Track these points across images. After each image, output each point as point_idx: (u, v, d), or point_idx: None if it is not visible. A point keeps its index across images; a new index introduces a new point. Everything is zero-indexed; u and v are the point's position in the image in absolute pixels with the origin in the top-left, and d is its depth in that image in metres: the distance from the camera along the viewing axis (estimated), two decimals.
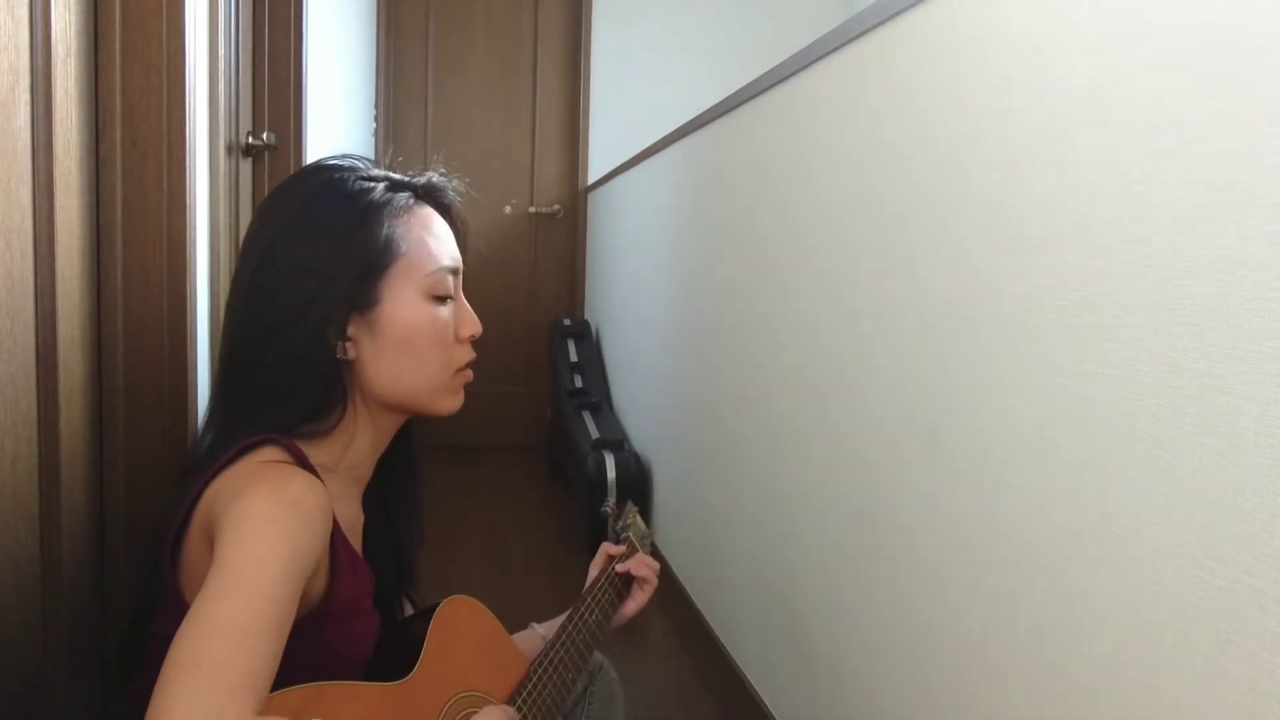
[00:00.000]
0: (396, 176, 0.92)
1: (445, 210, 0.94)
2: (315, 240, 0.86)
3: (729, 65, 4.02)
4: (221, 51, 1.44)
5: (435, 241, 0.90)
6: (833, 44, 1.45)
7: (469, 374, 0.93)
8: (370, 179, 0.90)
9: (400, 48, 4.12)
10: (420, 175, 0.94)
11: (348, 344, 0.86)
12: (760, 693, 1.78)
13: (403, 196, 0.90)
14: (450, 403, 0.92)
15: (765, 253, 1.79)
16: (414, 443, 1.00)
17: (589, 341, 3.88)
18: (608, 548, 1.18)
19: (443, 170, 0.96)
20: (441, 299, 0.89)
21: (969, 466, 1.06)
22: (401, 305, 0.86)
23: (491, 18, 4.17)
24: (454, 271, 0.91)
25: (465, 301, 0.93)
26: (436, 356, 0.89)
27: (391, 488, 1.00)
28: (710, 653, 2.07)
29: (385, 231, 0.86)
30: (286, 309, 0.84)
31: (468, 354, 0.93)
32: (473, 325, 0.92)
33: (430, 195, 0.93)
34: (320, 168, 0.92)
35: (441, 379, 0.90)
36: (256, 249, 0.87)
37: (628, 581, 1.16)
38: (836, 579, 1.44)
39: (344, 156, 0.93)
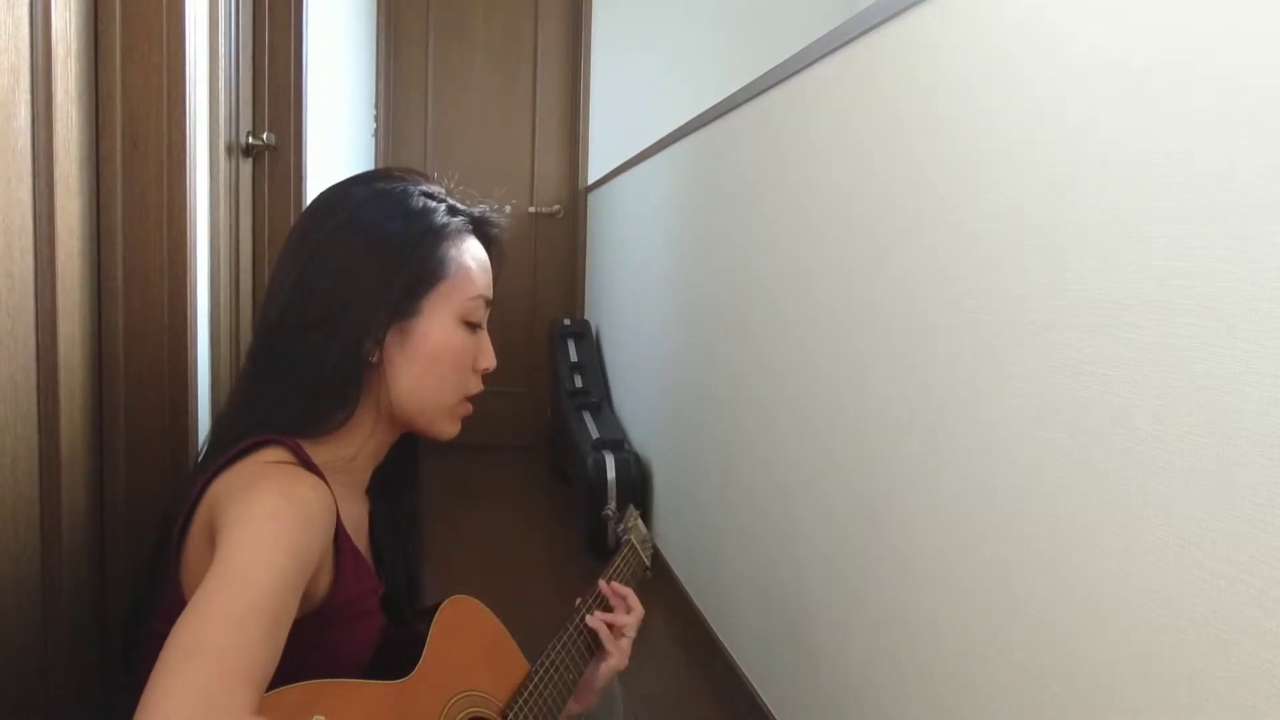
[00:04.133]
0: (453, 201, 0.95)
1: (489, 243, 0.98)
2: (373, 245, 0.88)
3: (729, 65, 4.02)
4: (221, 52, 1.44)
5: (478, 270, 0.94)
6: (833, 43, 1.45)
7: (470, 407, 0.96)
8: (432, 196, 0.93)
9: (400, 48, 4.12)
10: (474, 205, 0.97)
11: (379, 349, 0.88)
12: (760, 693, 1.78)
13: (459, 221, 0.93)
14: (449, 428, 0.95)
15: (765, 253, 1.79)
16: (418, 460, 1.03)
17: (589, 341, 3.88)
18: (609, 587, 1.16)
19: (496, 205, 1.00)
20: (472, 326, 0.93)
21: (970, 464, 1.06)
22: (437, 323, 0.90)
23: (491, 18, 4.17)
24: (487, 302, 0.95)
25: (487, 335, 0.96)
26: (454, 379, 0.92)
27: (401, 502, 1.02)
28: (710, 653, 2.07)
29: (440, 251, 0.90)
30: (333, 306, 0.86)
31: (478, 385, 0.96)
32: (490, 359, 0.96)
33: (480, 227, 0.97)
34: (387, 175, 0.95)
35: (450, 402, 0.93)
36: (311, 241, 0.89)
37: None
38: (837, 578, 1.44)
39: (407, 170, 0.97)
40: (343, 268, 0.87)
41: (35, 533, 0.90)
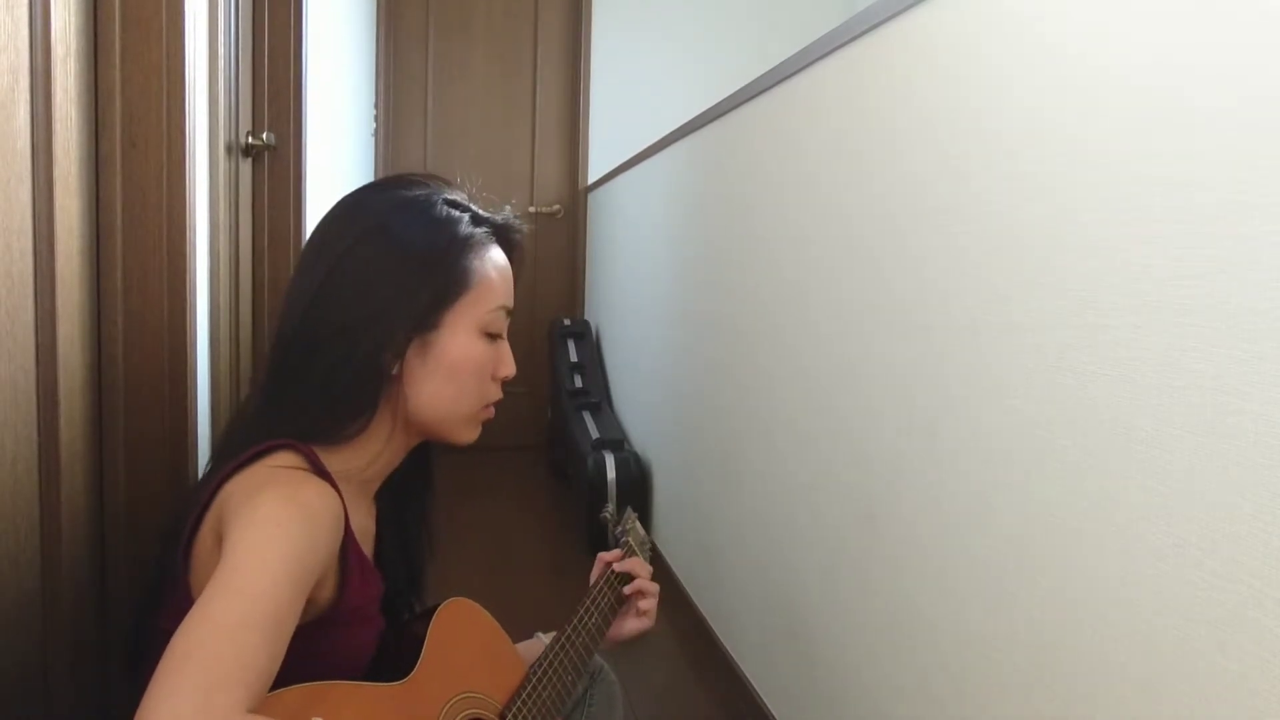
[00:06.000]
0: (477, 210, 0.94)
1: (510, 250, 0.97)
2: (396, 256, 0.87)
3: (728, 65, 4.02)
4: (221, 51, 1.44)
5: (500, 280, 0.93)
6: (833, 44, 1.45)
7: (492, 411, 0.96)
8: (456, 206, 0.92)
9: (400, 47, 4.11)
10: (497, 213, 0.97)
11: (400, 361, 0.87)
12: (760, 693, 1.78)
13: (481, 231, 0.93)
14: (470, 434, 0.95)
15: (765, 252, 1.79)
16: (434, 466, 1.03)
17: (589, 341, 3.88)
18: (604, 556, 1.18)
19: (516, 213, 1.00)
20: (492, 336, 0.92)
21: (969, 466, 1.06)
22: (458, 335, 0.89)
23: (491, 18, 4.17)
24: (508, 312, 0.94)
25: (507, 343, 0.96)
26: (474, 390, 0.92)
27: (409, 504, 1.01)
28: (710, 653, 2.07)
29: (463, 262, 0.89)
30: (355, 317, 0.86)
31: (498, 393, 0.95)
32: (510, 367, 0.95)
33: (503, 235, 0.96)
34: (411, 182, 0.94)
35: (471, 411, 0.93)
36: (337, 247, 0.88)
37: (625, 583, 1.17)
38: (836, 579, 1.44)
39: (430, 175, 0.96)
40: (365, 279, 0.87)
41: (35, 533, 0.90)
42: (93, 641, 1.03)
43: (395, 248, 0.88)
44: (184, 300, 1.14)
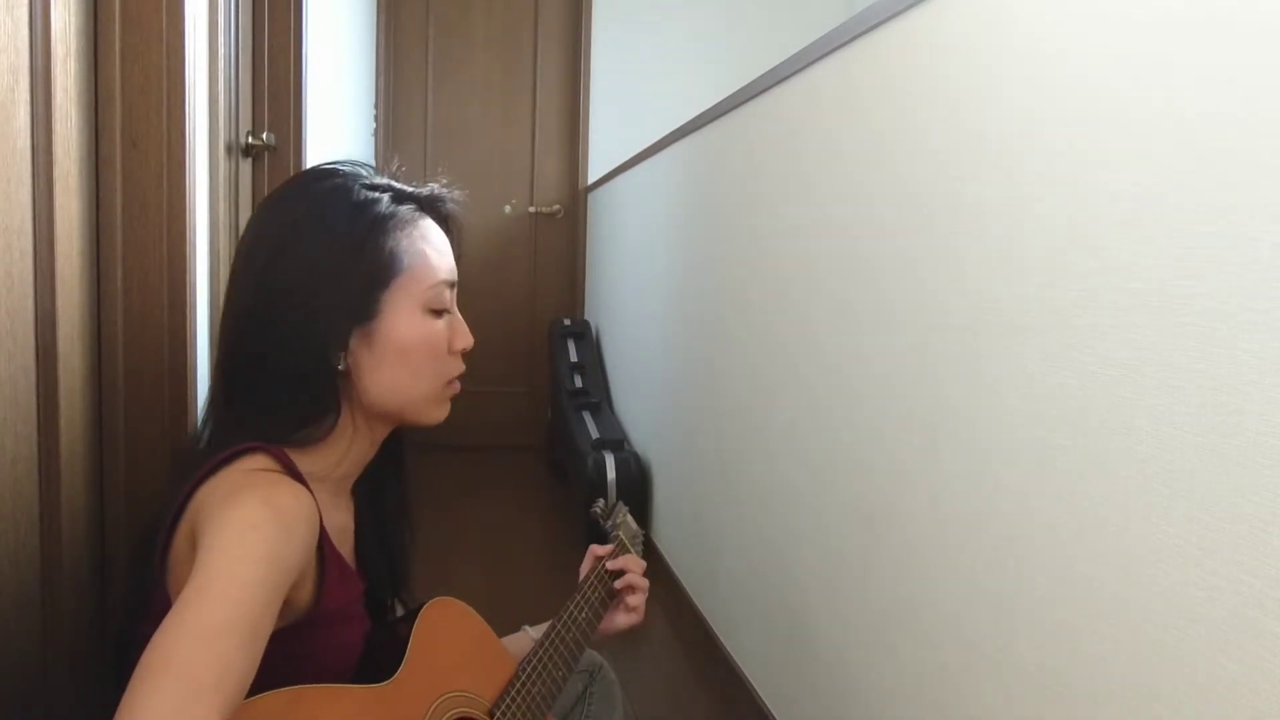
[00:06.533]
0: (400, 186, 0.91)
1: (443, 222, 0.94)
2: (321, 252, 0.85)
3: (729, 65, 4.02)
4: (221, 51, 1.44)
5: (435, 255, 0.90)
6: (832, 44, 1.45)
7: (458, 385, 0.94)
8: (374, 188, 0.89)
9: (400, 47, 4.11)
10: (423, 187, 0.94)
11: (346, 355, 0.86)
12: (760, 693, 1.78)
13: (407, 209, 0.89)
14: (438, 413, 0.93)
15: (764, 253, 1.79)
16: (405, 448, 1.01)
17: (589, 341, 3.88)
18: (595, 549, 1.18)
19: (444, 181, 0.96)
20: (438, 312, 0.90)
21: (968, 466, 1.06)
22: (401, 319, 0.87)
23: (491, 18, 4.17)
24: (451, 285, 0.92)
25: (459, 314, 0.93)
26: (431, 369, 0.89)
27: (384, 493, 1.00)
28: (710, 653, 2.07)
29: (390, 245, 0.86)
30: (290, 321, 0.84)
31: (459, 366, 0.93)
32: (466, 339, 0.93)
33: (432, 207, 0.93)
34: (323, 173, 0.91)
35: (434, 390, 0.91)
36: (259, 256, 0.86)
37: (617, 578, 1.16)
38: (836, 579, 1.44)
39: (346, 162, 0.93)
40: (295, 279, 0.84)
41: (35, 533, 0.90)
42: (92, 642, 1.03)
43: (317, 244, 0.85)
44: (184, 300, 1.14)
